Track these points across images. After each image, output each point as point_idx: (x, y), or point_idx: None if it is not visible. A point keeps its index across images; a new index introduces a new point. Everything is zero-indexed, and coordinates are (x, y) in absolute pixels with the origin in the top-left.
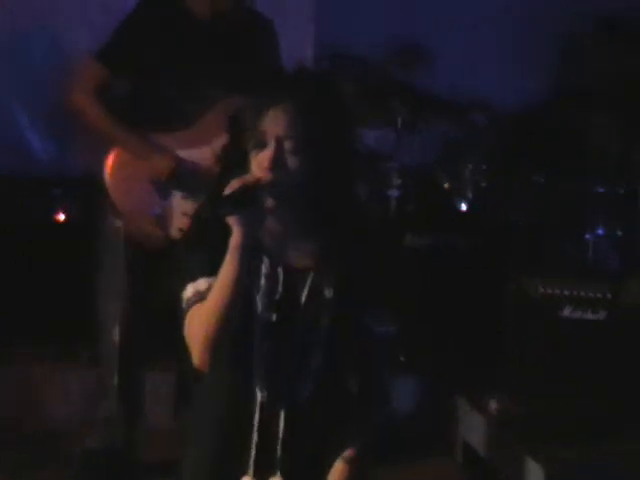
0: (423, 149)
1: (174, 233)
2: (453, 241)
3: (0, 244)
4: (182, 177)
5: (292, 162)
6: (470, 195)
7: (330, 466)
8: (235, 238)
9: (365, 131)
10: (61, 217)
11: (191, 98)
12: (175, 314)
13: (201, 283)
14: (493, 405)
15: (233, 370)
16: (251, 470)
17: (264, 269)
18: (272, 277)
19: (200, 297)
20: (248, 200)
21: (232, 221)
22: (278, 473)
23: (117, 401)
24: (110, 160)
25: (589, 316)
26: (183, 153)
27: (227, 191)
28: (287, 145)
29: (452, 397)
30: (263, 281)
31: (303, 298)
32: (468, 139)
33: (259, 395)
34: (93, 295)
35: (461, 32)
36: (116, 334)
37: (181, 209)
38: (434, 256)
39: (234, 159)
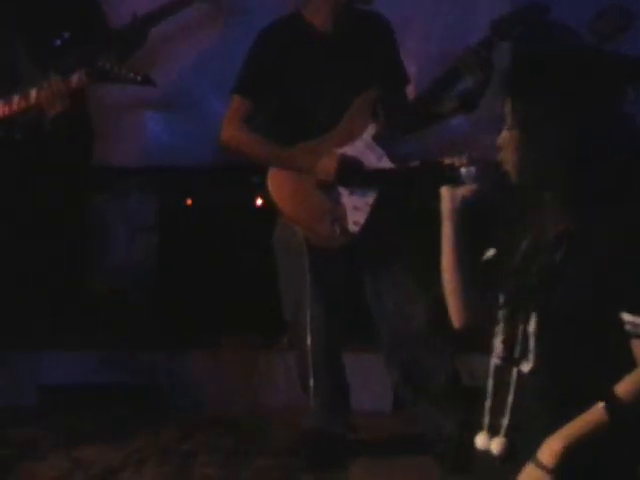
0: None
1: (351, 228)
2: None
3: (205, 229)
4: (348, 172)
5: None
6: None
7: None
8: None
9: None
10: (259, 202)
11: (329, 102)
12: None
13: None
14: None
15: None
16: (486, 426)
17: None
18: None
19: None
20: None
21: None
22: (502, 435)
23: (319, 388)
24: (271, 184)
25: None
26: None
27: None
28: (513, 135)
29: None
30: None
31: (557, 261)
32: None
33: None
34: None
35: None
36: (307, 334)
37: (352, 204)
38: None
39: None
